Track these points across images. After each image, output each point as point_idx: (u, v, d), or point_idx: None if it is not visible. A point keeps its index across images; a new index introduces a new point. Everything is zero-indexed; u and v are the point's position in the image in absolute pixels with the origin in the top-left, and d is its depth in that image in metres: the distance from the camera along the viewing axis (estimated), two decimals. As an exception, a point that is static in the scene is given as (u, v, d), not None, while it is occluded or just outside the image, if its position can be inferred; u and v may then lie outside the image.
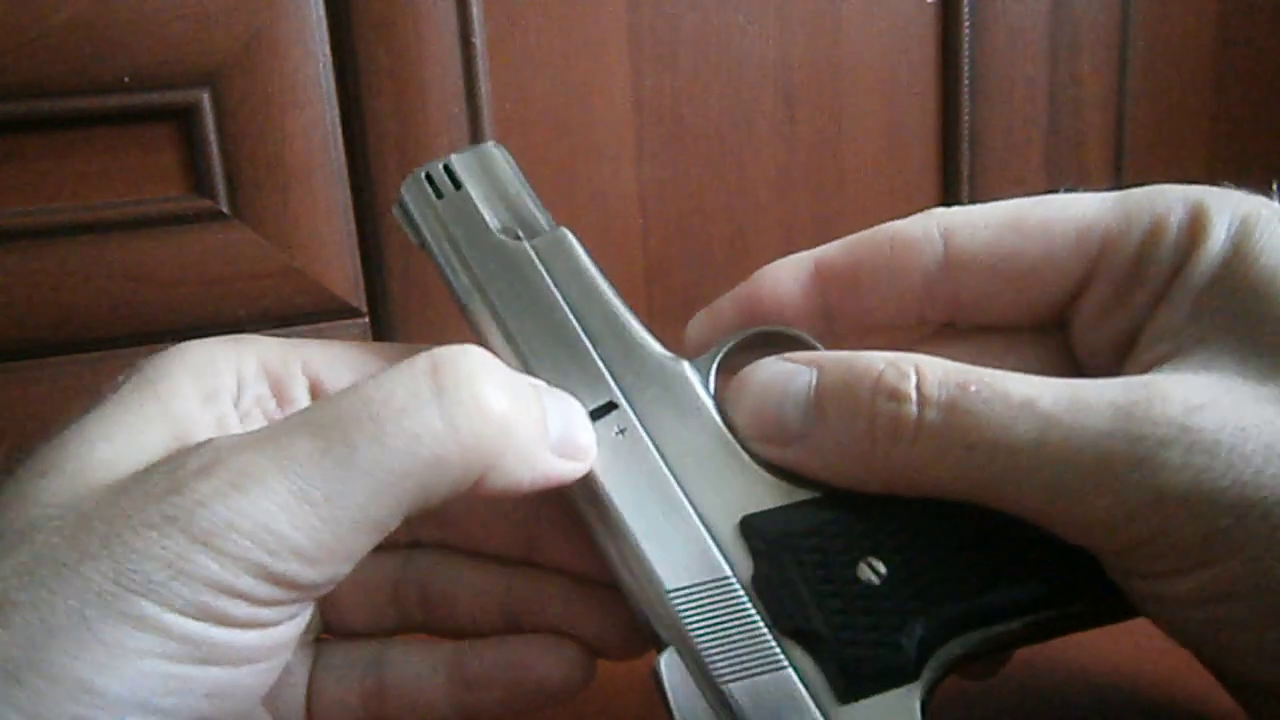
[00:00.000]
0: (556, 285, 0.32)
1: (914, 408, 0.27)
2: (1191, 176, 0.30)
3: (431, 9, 0.54)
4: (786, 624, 0.28)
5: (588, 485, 0.30)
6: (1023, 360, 0.30)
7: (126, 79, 0.51)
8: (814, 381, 0.29)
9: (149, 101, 0.51)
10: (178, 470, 0.24)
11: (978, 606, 0.28)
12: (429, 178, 0.33)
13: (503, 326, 0.31)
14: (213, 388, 0.29)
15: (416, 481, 0.25)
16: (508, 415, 0.26)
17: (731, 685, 0.27)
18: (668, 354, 0.31)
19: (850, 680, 0.27)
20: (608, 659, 0.32)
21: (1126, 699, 0.37)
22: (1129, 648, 0.37)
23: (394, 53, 0.55)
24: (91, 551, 0.23)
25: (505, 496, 0.28)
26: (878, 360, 0.28)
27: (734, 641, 0.28)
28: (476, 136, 0.56)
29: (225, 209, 0.53)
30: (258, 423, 0.30)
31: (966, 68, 0.61)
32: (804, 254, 0.33)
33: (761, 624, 0.28)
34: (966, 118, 0.62)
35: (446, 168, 0.33)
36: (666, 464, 0.30)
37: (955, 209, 0.31)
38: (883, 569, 0.28)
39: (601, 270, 0.32)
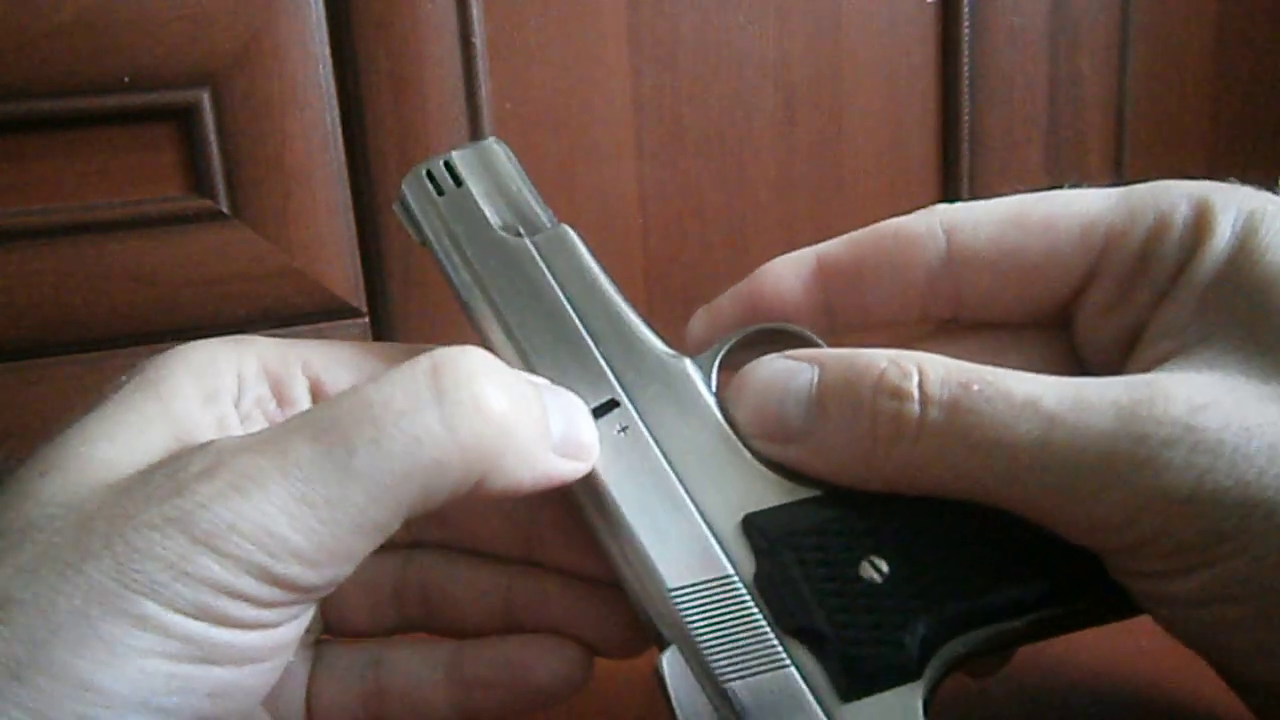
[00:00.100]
0: (558, 282, 0.32)
1: (916, 406, 0.27)
2: (1191, 176, 0.30)
3: (431, 9, 0.54)
4: (789, 622, 0.27)
5: (589, 484, 0.29)
6: (1025, 357, 0.30)
7: (126, 79, 0.51)
8: (815, 379, 0.29)
9: (149, 101, 0.51)
10: (180, 472, 0.24)
11: (980, 605, 0.28)
12: (430, 174, 0.33)
13: (504, 323, 0.31)
14: (213, 388, 0.29)
15: (417, 484, 0.25)
16: (508, 416, 0.26)
17: (734, 684, 0.27)
18: (669, 351, 0.31)
19: (853, 679, 0.27)
20: (608, 658, 0.32)
21: (1126, 699, 0.37)
22: (1130, 648, 0.37)
23: (394, 53, 0.55)
24: (94, 551, 0.23)
25: (506, 497, 0.27)
26: (880, 358, 0.28)
27: (736, 640, 0.28)
28: (476, 136, 0.56)
29: (225, 209, 0.53)
30: (258, 423, 0.30)
31: (966, 67, 0.61)
32: (806, 250, 0.32)
33: (764, 622, 0.28)
34: (966, 117, 0.62)
35: (447, 164, 0.33)
36: (668, 462, 0.29)
37: (958, 205, 0.31)
38: (885, 567, 0.28)
39: (603, 267, 0.32)
